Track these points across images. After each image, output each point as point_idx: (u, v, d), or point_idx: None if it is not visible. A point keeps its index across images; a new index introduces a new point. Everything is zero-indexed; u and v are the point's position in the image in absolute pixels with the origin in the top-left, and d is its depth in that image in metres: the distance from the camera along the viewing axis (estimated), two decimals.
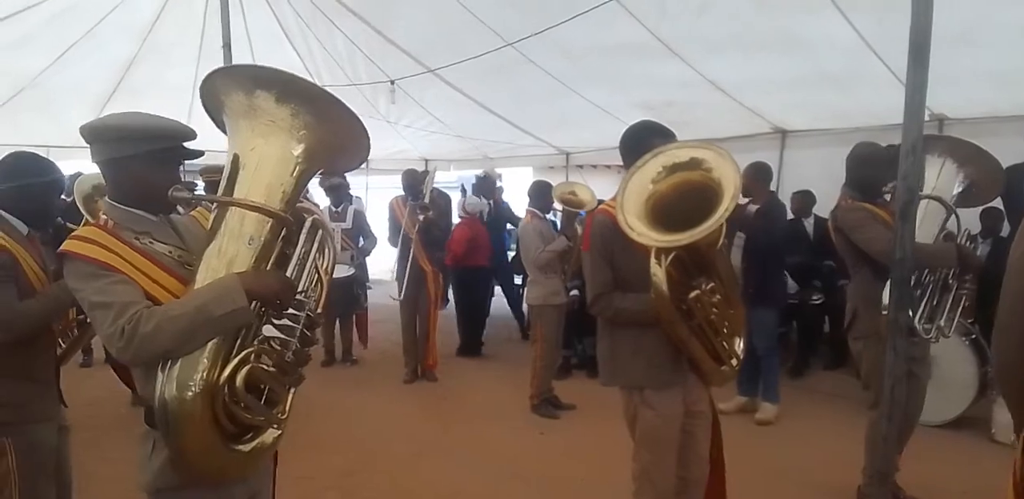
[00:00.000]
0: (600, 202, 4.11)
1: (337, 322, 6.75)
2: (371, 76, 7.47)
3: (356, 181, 9.92)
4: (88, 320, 2.25)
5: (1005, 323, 1.33)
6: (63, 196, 2.98)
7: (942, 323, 3.37)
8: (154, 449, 1.78)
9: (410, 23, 6.42)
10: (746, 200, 5.08)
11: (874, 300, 3.37)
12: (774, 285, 5.20)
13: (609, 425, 3.45)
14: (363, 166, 9.26)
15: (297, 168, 1.85)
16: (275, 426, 1.85)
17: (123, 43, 7.04)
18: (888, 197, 3.61)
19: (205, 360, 1.68)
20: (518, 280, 8.11)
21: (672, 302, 2.43)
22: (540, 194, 5.55)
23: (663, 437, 2.70)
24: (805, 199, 6.46)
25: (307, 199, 5.57)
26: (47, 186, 2.55)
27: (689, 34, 5.33)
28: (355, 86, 7.52)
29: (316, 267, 1.95)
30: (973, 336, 4.75)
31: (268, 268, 1.82)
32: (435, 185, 6.74)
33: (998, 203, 4.44)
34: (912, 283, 3.11)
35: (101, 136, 1.82)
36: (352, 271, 6.47)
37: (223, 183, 1.84)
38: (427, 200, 6.21)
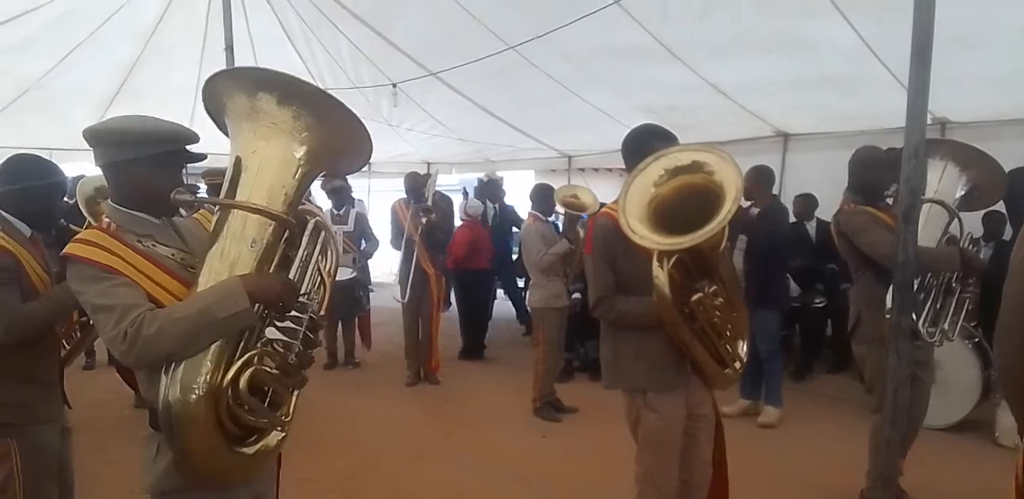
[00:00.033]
0: (602, 205, 4.11)
1: (339, 325, 6.75)
2: (373, 79, 7.49)
3: (358, 184, 9.94)
4: (90, 322, 2.26)
5: (1007, 325, 1.33)
6: (66, 198, 2.98)
7: (946, 327, 3.37)
8: (158, 452, 1.79)
9: (412, 26, 6.44)
10: (748, 203, 5.08)
11: (877, 304, 3.37)
12: (776, 287, 5.20)
13: (611, 428, 3.45)
14: (365, 169, 9.28)
15: (299, 170, 1.85)
16: (279, 428, 1.85)
17: (126, 45, 7.08)
18: (890, 201, 3.61)
19: (208, 362, 1.68)
20: (520, 283, 8.11)
21: (674, 305, 2.43)
22: (542, 197, 5.56)
23: (666, 440, 2.70)
24: (807, 202, 6.45)
25: (309, 201, 5.58)
26: (50, 188, 2.55)
27: (691, 38, 5.34)
28: (357, 89, 7.54)
29: (319, 269, 1.95)
30: (976, 339, 4.74)
31: (271, 270, 1.82)
32: (437, 188, 6.74)
33: (1000, 206, 4.44)
34: (916, 287, 3.11)
35: (104, 140, 1.82)
36: (354, 274, 6.47)
37: (225, 186, 1.84)
38: (429, 203, 6.21)
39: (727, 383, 2.81)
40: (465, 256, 7.01)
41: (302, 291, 1.85)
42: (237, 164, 1.84)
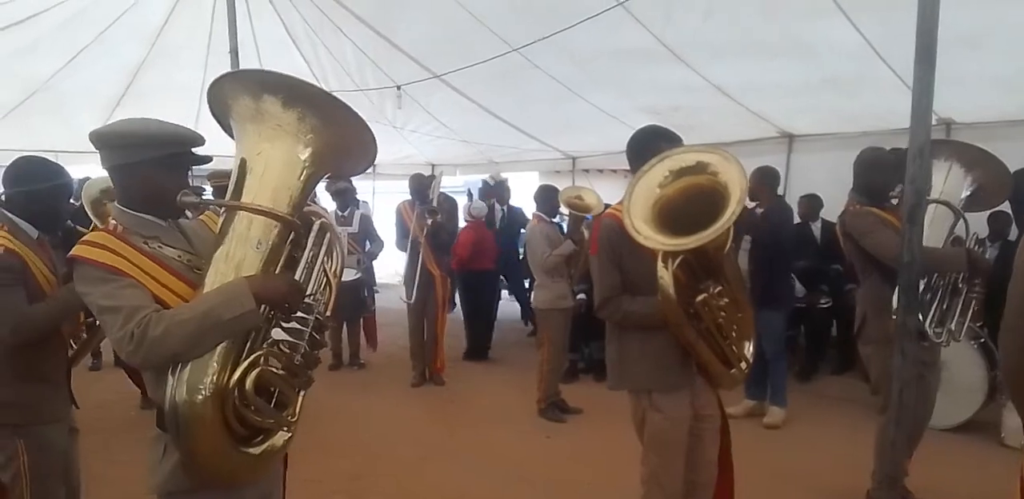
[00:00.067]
0: (607, 206, 4.11)
1: (344, 326, 6.76)
2: (378, 81, 7.50)
3: (363, 185, 9.95)
4: (97, 323, 2.27)
5: (1012, 325, 1.33)
6: (72, 200, 3.00)
7: (952, 327, 3.37)
8: (165, 452, 1.79)
9: (416, 29, 6.45)
10: (753, 204, 5.08)
11: (884, 305, 3.35)
12: (780, 288, 5.19)
13: (616, 429, 3.45)
14: (369, 171, 9.30)
15: (304, 172, 1.85)
16: (285, 429, 1.85)
17: (132, 47, 7.10)
18: (895, 201, 3.60)
19: (215, 363, 1.69)
20: (527, 284, 8.11)
21: (679, 305, 2.43)
22: (546, 198, 5.57)
23: (671, 440, 2.70)
24: (812, 203, 6.45)
25: (314, 203, 5.59)
26: (56, 190, 2.57)
27: (694, 39, 5.34)
28: (362, 91, 7.55)
29: (324, 270, 1.95)
30: (982, 339, 4.72)
31: (276, 272, 1.83)
32: (441, 190, 6.75)
33: (1006, 207, 4.42)
34: (922, 287, 3.11)
35: (110, 142, 1.83)
36: (358, 275, 6.49)
37: (231, 188, 1.85)
38: (434, 204, 6.22)
39: (733, 383, 2.81)
40: (469, 257, 7.02)
41: (308, 292, 1.85)
42: (242, 166, 1.84)
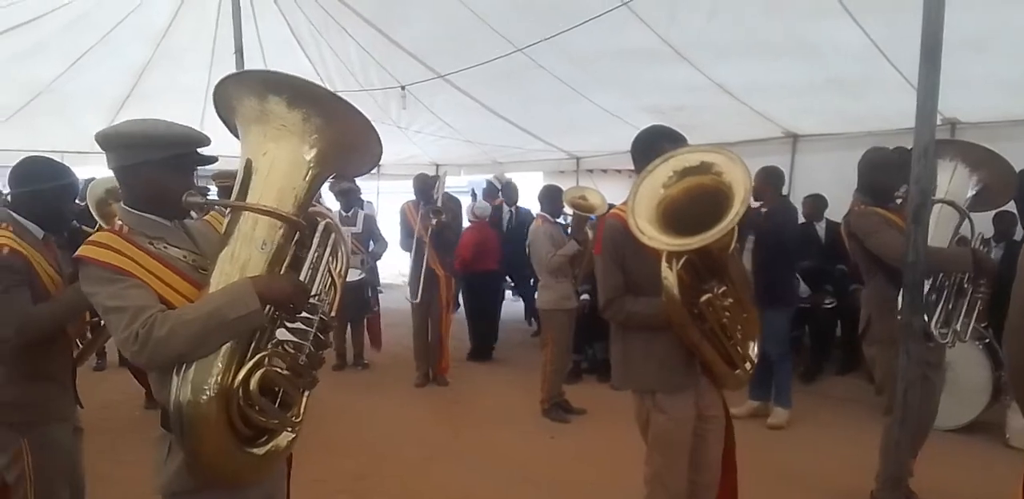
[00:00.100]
0: (611, 207, 4.11)
1: (348, 326, 6.77)
2: (382, 82, 7.51)
3: (367, 186, 9.96)
4: (102, 322, 2.27)
5: (1017, 325, 1.32)
6: (77, 201, 3.00)
7: (958, 328, 3.36)
8: (170, 452, 1.80)
9: (420, 29, 6.45)
10: (757, 204, 5.07)
11: (888, 305, 3.35)
12: (783, 288, 5.17)
13: (620, 429, 3.45)
14: (374, 171, 9.30)
15: (309, 172, 1.85)
16: (289, 429, 1.85)
17: (137, 48, 7.12)
18: (900, 201, 3.60)
19: (219, 363, 1.69)
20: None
21: (683, 306, 2.43)
22: (550, 199, 5.57)
23: (675, 441, 2.70)
24: (816, 203, 6.44)
25: (319, 203, 5.58)
26: (61, 190, 2.57)
27: (698, 39, 5.33)
28: (366, 91, 7.56)
29: (329, 271, 1.95)
30: (987, 340, 4.71)
31: (281, 272, 1.83)
32: (445, 190, 6.75)
33: (1011, 207, 4.40)
34: (928, 288, 3.10)
35: (115, 143, 1.83)
36: (362, 275, 6.50)
37: (236, 188, 1.85)
38: (438, 204, 6.22)
39: (738, 384, 2.80)
40: (473, 258, 7.02)
41: (313, 292, 1.86)
42: (248, 166, 1.85)
